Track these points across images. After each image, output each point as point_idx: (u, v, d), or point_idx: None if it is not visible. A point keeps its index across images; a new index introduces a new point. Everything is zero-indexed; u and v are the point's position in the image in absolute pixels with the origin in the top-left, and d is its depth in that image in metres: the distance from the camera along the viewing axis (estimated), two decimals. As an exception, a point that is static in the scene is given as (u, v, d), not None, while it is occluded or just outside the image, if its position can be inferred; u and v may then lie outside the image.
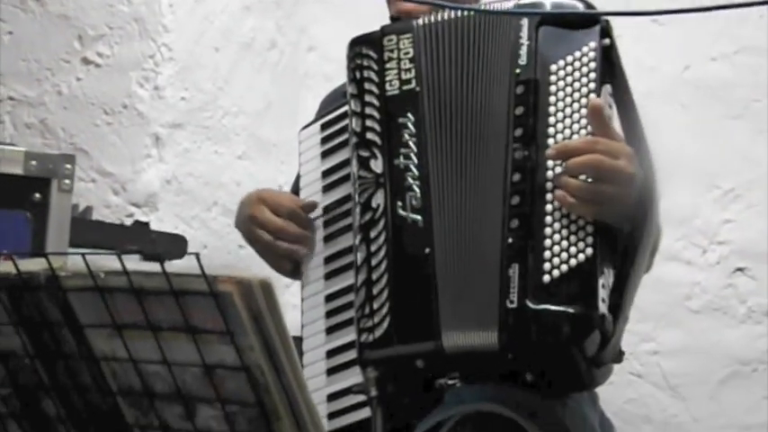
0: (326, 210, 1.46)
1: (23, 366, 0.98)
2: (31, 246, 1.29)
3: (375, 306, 1.33)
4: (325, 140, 1.49)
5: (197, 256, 0.83)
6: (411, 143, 1.37)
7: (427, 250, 1.33)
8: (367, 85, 1.41)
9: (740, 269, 2.33)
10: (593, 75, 1.30)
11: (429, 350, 1.30)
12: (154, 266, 0.86)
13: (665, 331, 2.37)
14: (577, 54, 1.32)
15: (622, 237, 1.31)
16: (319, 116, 1.54)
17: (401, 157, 1.37)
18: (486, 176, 1.34)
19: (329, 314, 1.43)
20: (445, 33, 1.40)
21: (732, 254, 2.34)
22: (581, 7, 1.35)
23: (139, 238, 1.87)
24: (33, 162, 1.31)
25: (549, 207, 1.29)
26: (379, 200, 1.37)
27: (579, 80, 1.31)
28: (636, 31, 2.22)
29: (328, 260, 1.45)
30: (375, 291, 1.33)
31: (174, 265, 0.88)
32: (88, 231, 1.72)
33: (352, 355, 1.38)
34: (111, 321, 0.90)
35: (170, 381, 0.89)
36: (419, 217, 1.35)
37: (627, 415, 2.32)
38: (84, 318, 0.92)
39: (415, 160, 1.36)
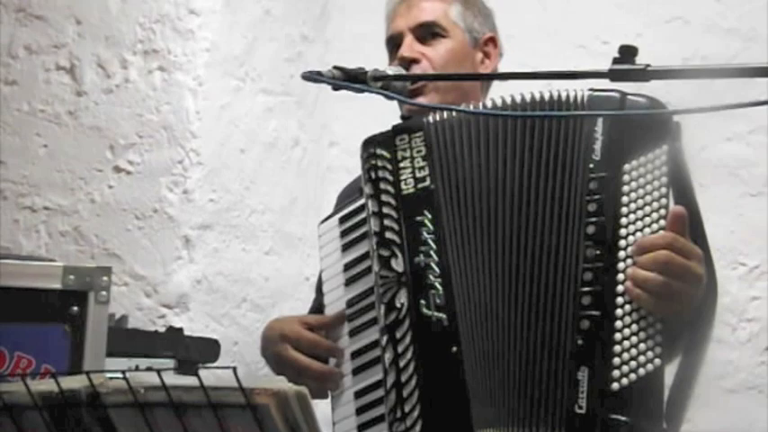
0: (350, 303, 1.47)
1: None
2: (69, 359, 1.31)
3: (407, 409, 1.33)
4: (344, 234, 1.51)
5: (234, 369, 0.86)
6: (430, 241, 1.38)
7: (454, 349, 1.33)
8: (383, 185, 1.43)
9: (772, 346, 2.32)
10: (664, 178, 1.30)
11: None
12: (192, 380, 0.89)
13: (701, 412, 2.34)
14: (650, 156, 1.31)
15: (684, 343, 1.31)
16: (337, 209, 1.57)
17: (421, 255, 1.38)
18: (545, 273, 1.32)
19: (360, 411, 1.44)
20: (463, 128, 1.39)
21: (762, 331, 2.33)
22: (651, 106, 1.32)
23: (174, 345, 1.90)
24: (71, 276, 1.34)
25: (620, 311, 1.27)
26: (402, 299, 1.38)
27: (651, 183, 1.30)
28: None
29: (355, 355, 1.46)
30: (405, 393, 1.34)
31: (210, 377, 0.91)
32: (124, 340, 1.76)
33: (385, 453, 1.38)
34: (152, 436, 0.92)
35: (209, 492, 0.90)
36: (443, 315, 1.35)
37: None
38: (124, 432, 0.95)
39: (436, 258, 1.37)
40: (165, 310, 2.33)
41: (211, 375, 0.91)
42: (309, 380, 1.47)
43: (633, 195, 1.31)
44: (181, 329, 2.00)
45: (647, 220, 1.30)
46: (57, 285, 1.34)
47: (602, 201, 1.31)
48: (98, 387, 0.94)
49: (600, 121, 1.34)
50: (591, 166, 1.33)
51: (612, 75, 1.11)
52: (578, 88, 1.37)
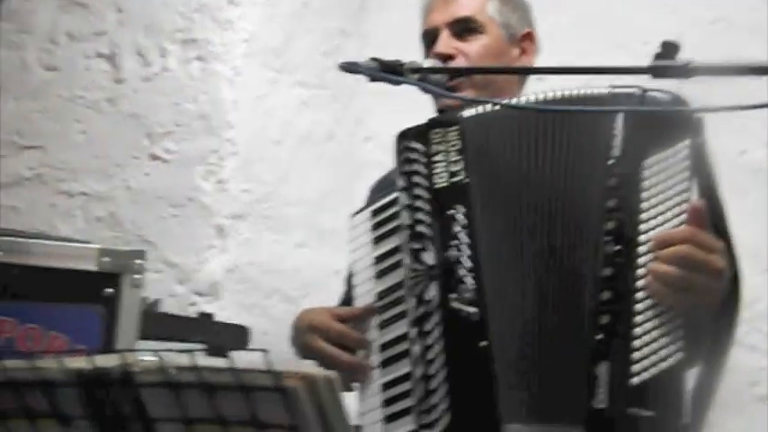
0: (380, 296, 1.48)
1: (97, 459, 1.01)
2: (102, 339, 1.33)
3: (434, 401, 1.33)
4: (375, 227, 1.51)
5: (264, 352, 0.87)
6: (462, 235, 1.38)
7: (483, 343, 1.33)
8: (416, 179, 1.43)
9: (806, 354, 2.29)
10: (686, 173, 1.29)
11: None
12: (222, 362, 0.90)
13: (732, 420, 2.32)
14: (671, 151, 1.30)
15: (707, 337, 1.30)
16: (369, 203, 1.57)
17: (452, 249, 1.38)
18: (567, 268, 1.32)
19: (386, 403, 1.44)
20: (497, 123, 1.40)
21: (795, 338, 2.30)
22: (673, 101, 1.32)
23: (204, 330, 1.92)
24: (106, 258, 1.36)
25: (639, 306, 1.27)
26: (432, 292, 1.38)
27: (672, 177, 1.29)
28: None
29: (383, 347, 1.46)
30: (433, 385, 1.34)
31: (240, 360, 0.92)
32: (156, 324, 1.78)
33: (411, 444, 1.38)
34: (182, 416, 0.93)
35: (237, 473, 0.91)
36: (473, 309, 1.35)
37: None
38: (155, 412, 0.96)
39: (467, 252, 1.37)
40: (197, 298, 2.35)
41: (243, 358, 0.92)
42: (337, 371, 1.47)
43: (654, 190, 1.30)
44: (211, 315, 2.02)
45: (669, 214, 1.29)
46: (92, 267, 1.36)
47: (623, 196, 1.31)
48: (130, 366, 0.95)
49: (619, 116, 1.33)
50: (610, 162, 1.32)
51: (654, 71, 1.10)
52: (599, 85, 1.37)
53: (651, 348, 1.25)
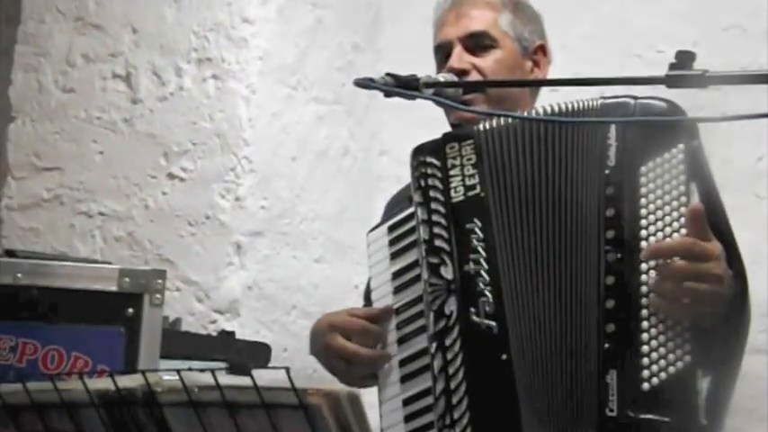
0: (398, 312, 1.48)
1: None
2: (124, 359, 1.34)
3: (456, 416, 1.34)
4: (392, 242, 1.52)
5: (287, 370, 0.87)
6: (480, 248, 1.39)
7: (504, 356, 1.34)
8: (432, 193, 1.44)
9: (828, 361, 2.26)
10: (682, 177, 1.30)
11: None
12: (245, 381, 0.91)
13: (754, 426, 2.30)
14: (666, 156, 1.32)
15: (717, 340, 1.30)
16: (385, 218, 1.57)
17: (471, 263, 1.38)
18: (573, 279, 1.33)
19: (408, 418, 1.44)
20: (511, 136, 1.41)
21: (824, 346, 2.27)
22: (666, 108, 1.34)
23: (226, 348, 1.93)
24: (126, 279, 1.37)
25: (645, 312, 1.28)
26: (451, 307, 1.38)
27: (669, 182, 1.31)
28: (709, 125, 2.23)
29: (403, 363, 1.46)
30: (455, 400, 1.34)
31: (262, 378, 0.92)
32: (177, 343, 1.79)
33: (434, 459, 1.39)
34: (205, 435, 0.93)
35: (261, 492, 0.91)
36: (493, 323, 1.36)
37: None
38: (178, 431, 0.97)
39: (485, 266, 1.38)
40: (217, 316, 2.36)
41: (264, 376, 0.92)
42: (359, 366, 1.48)
43: (651, 197, 1.31)
44: (233, 333, 2.03)
45: (668, 219, 1.30)
46: (112, 287, 1.37)
47: (620, 205, 1.32)
48: (153, 386, 0.96)
49: (612, 127, 1.34)
50: (606, 172, 1.34)
51: (669, 81, 1.10)
52: (589, 97, 1.39)
53: (660, 353, 1.26)
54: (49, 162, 2.58)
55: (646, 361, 1.26)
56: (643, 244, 1.30)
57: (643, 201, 1.32)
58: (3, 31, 2.69)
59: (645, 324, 1.27)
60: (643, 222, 1.31)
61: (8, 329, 1.33)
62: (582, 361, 1.30)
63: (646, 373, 1.25)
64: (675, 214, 1.30)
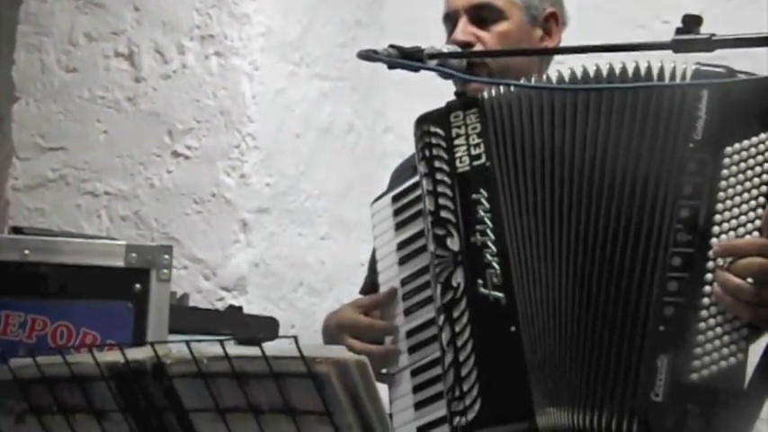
0: (404, 282, 1.47)
1: (132, 451, 1.02)
2: (132, 334, 1.34)
3: (465, 388, 1.32)
4: (397, 212, 1.50)
5: (295, 338, 0.87)
6: (486, 219, 1.37)
7: (513, 328, 1.32)
8: (437, 164, 1.41)
9: None
10: (767, 165, 1.24)
11: (522, 430, 1.30)
12: (254, 351, 0.91)
13: (759, 426, 2.29)
14: (754, 140, 1.24)
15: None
16: (390, 189, 1.56)
17: (477, 234, 1.36)
18: (624, 253, 1.28)
19: (417, 389, 1.44)
20: (524, 104, 1.36)
21: None
22: (759, 86, 1.25)
23: (234, 323, 1.93)
24: (133, 254, 1.37)
25: (706, 300, 1.23)
26: (458, 278, 1.36)
27: (753, 169, 1.24)
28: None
29: (410, 333, 1.46)
30: (463, 372, 1.33)
31: (270, 348, 0.92)
32: (185, 318, 1.79)
33: (442, 430, 1.38)
34: (215, 405, 0.94)
35: (271, 461, 0.92)
36: (501, 294, 1.34)
37: None
38: (188, 403, 0.97)
39: (492, 236, 1.36)
40: (224, 293, 2.36)
41: (273, 346, 0.92)
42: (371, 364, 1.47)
43: (732, 181, 1.24)
44: (240, 308, 2.03)
45: (744, 207, 1.24)
46: (119, 263, 1.37)
47: (700, 184, 1.25)
48: (162, 357, 0.96)
49: (705, 97, 1.26)
50: (691, 145, 1.26)
51: (675, 46, 1.08)
52: (682, 61, 1.27)
53: (714, 345, 1.22)
54: (54, 142, 2.58)
55: (699, 351, 1.21)
56: (715, 229, 1.23)
57: (723, 183, 1.24)
58: (4, 12, 2.68)
59: (704, 313, 1.23)
60: (719, 207, 1.24)
61: (17, 306, 1.33)
62: (625, 340, 1.25)
63: (697, 363, 1.21)
64: (753, 203, 1.23)
